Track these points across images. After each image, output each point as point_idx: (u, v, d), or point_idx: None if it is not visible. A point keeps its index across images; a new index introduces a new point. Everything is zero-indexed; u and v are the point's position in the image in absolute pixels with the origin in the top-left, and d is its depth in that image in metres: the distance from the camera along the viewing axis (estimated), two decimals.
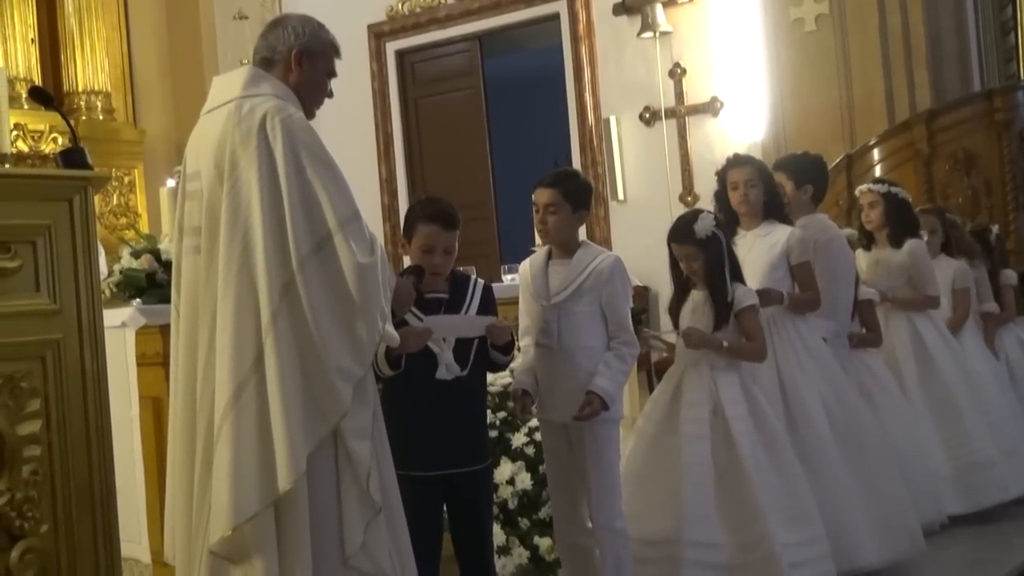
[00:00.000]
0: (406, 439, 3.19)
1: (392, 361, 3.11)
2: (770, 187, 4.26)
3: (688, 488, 3.62)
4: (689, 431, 3.70)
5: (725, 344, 3.70)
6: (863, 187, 5.10)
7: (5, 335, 2.29)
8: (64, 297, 2.40)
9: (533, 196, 3.52)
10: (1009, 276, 5.53)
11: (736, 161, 4.34)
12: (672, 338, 3.97)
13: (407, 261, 3.35)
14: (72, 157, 2.54)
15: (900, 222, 4.95)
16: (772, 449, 3.69)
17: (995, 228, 5.65)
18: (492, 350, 3.31)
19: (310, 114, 2.90)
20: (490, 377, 3.61)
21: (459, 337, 3.26)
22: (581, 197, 3.52)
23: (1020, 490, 4.83)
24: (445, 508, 3.34)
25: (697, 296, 3.80)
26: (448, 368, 3.24)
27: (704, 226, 3.74)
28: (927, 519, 4.31)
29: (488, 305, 3.38)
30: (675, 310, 3.88)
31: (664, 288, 4.34)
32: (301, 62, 2.88)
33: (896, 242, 4.94)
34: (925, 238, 5.05)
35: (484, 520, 3.41)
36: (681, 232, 3.80)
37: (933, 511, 4.45)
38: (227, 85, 2.87)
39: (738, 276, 3.79)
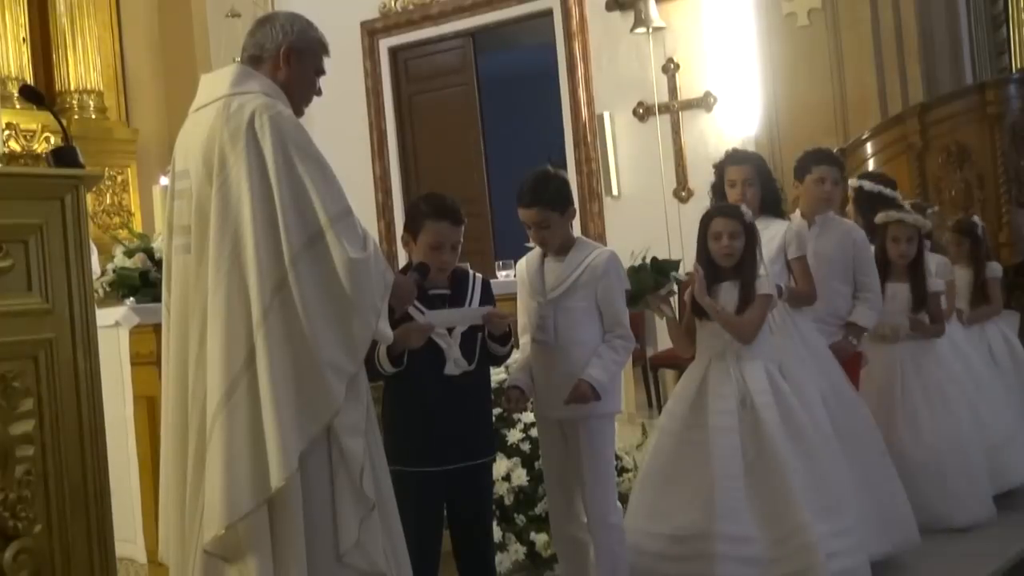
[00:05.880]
0: (413, 435, 3.21)
1: (394, 358, 3.11)
2: (767, 183, 4.27)
3: (718, 481, 3.60)
4: (718, 423, 3.68)
5: (719, 307, 3.69)
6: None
7: None
8: (56, 296, 2.39)
9: (519, 214, 3.49)
10: (995, 269, 5.52)
11: (735, 158, 4.33)
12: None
13: (404, 257, 3.35)
14: (63, 156, 2.53)
15: (869, 216, 4.95)
16: (800, 439, 3.67)
17: (979, 220, 5.63)
18: (490, 341, 3.33)
19: (299, 112, 2.89)
20: None
21: (459, 328, 3.26)
22: (563, 199, 3.48)
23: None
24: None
25: (724, 286, 3.76)
26: (456, 363, 3.25)
27: (748, 212, 3.80)
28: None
29: (488, 300, 3.39)
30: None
31: None
32: (289, 60, 2.88)
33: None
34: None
35: (486, 514, 3.44)
36: (730, 209, 3.82)
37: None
38: (215, 83, 2.86)
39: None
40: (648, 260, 3.88)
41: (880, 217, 4.87)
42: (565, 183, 3.57)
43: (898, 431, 4.58)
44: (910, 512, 4.07)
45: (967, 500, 4.52)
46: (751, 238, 3.76)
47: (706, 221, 3.82)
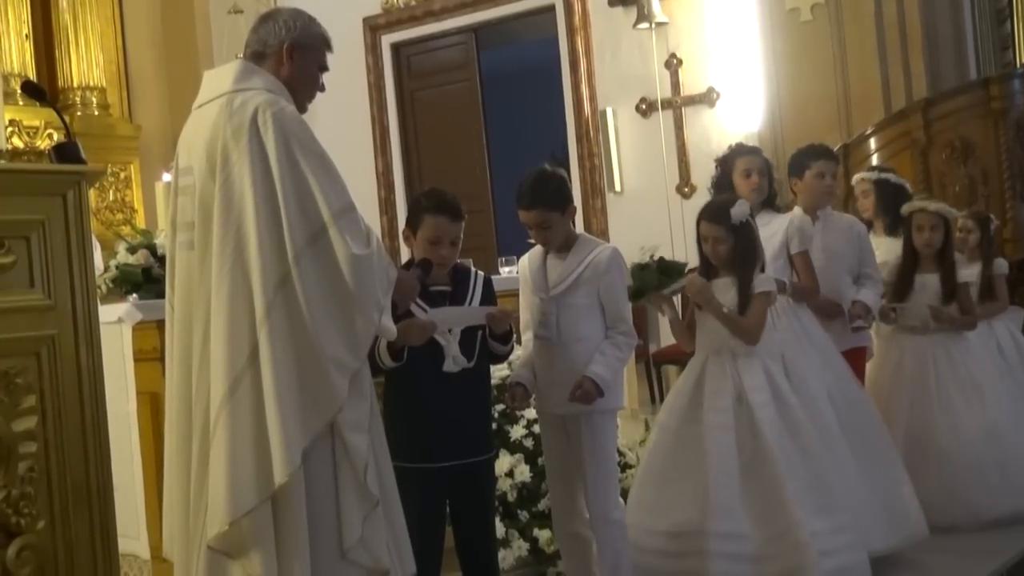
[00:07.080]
0: (413, 431, 3.21)
1: (394, 352, 3.12)
2: (770, 178, 4.29)
3: (713, 479, 3.60)
4: (713, 420, 3.68)
5: (725, 310, 3.66)
6: (857, 176, 5.08)
7: None
8: (58, 292, 2.39)
9: (520, 216, 3.48)
10: (1001, 265, 5.51)
11: (747, 149, 4.37)
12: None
13: (406, 253, 3.35)
14: (65, 151, 2.53)
15: (893, 210, 4.94)
16: (797, 436, 3.67)
17: (993, 217, 5.62)
18: (491, 340, 3.33)
19: (302, 108, 2.89)
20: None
21: (462, 327, 3.26)
22: (562, 198, 3.46)
23: None
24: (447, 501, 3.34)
25: (721, 282, 3.75)
26: (455, 360, 3.25)
27: (740, 212, 3.69)
28: None
29: (489, 297, 3.39)
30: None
31: None
32: (292, 55, 2.88)
33: (892, 230, 4.92)
34: None
35: (489, 510, 3.44)
36: (716, 212, 3.74)
37: None
38: (218, 79, 2.86)
39: (762, 266, 3.77)
40: (655, 259, 3.86)
41: (905, 208, 4.85)
42: (564, 181, 3.53)
43: (934, 423, 4.56)
44: (917, 506, 4.06)
45: (1004, 491, 4.47)
46: (743, 238, 3.70)
47: (697, 221, 3.81)
